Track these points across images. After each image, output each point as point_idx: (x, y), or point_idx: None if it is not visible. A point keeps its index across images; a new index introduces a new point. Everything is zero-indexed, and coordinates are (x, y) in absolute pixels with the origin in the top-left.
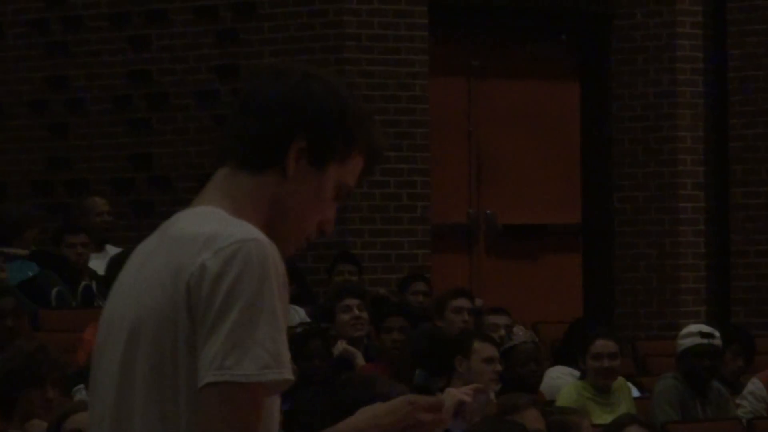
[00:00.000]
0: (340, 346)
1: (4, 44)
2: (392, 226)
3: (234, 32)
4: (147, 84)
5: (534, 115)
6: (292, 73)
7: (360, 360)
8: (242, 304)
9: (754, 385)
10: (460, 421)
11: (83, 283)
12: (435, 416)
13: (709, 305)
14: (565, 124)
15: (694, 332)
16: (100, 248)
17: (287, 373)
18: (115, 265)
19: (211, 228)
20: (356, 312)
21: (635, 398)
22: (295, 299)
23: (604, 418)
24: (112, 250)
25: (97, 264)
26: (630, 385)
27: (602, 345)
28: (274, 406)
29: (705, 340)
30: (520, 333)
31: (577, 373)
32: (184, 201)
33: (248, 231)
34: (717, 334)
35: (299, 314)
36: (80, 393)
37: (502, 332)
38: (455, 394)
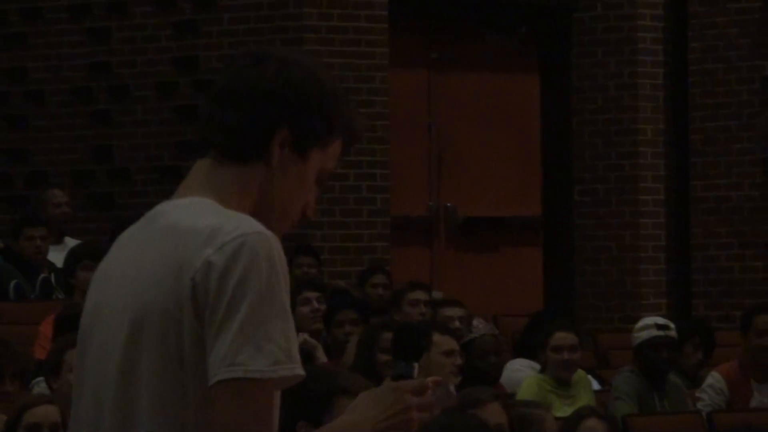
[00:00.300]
0: (300, 338)
1: None
2: (352, 219)
3: (193, 24)
4: (106, 76)
5: (494, 108)
6: (270, 59)
7: (321, 353)
8: (251, 300)
9: (713, 378)
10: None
11: (42, 275)
12: (422, 399)
13: (670, 298)
14: (526, 117)
15: (649, 325)
16: (58, 240)
17: (298, 369)
18: (75, 258)
19: (210, 221)
20: (315, 305)
21: (595, 391)
22: None
23: (565, 410)
24: (71, 242)
25: (56, 256)
26: (590, 377)
27: (562, 337)
28: (276, 400)
29: (661, 332)
30: (480, 325)
31: (537, 365)
32: (143, 193)
33: (250, 224)
34: (672, 325)
35: None
36: (39, 386)
37: (458, 324)
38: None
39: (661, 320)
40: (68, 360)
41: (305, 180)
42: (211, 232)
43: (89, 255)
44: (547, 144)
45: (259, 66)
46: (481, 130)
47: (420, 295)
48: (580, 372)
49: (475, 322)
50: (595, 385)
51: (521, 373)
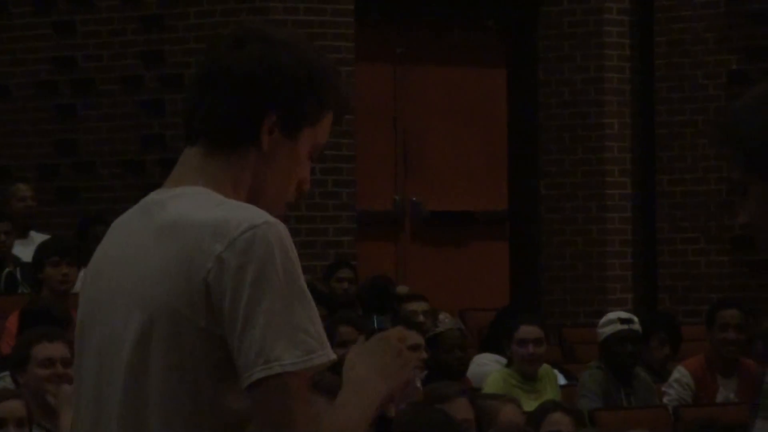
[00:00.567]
0: None
1: None
2: (317, 213)
3: (159, 18)
4: (72, 70)
5: (460, 102)
6: (254, 40)
7: None
8: (272, 293)
9: (679, 372)
10: (383, 409)
11: (6, 270)
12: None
13: (636, 293)
14: (492, 111)
15: (613, 319)
16: (24, 234)
17: (331, 353)
18: (43, 254)
19: (214, 215)
20: None
21: (561, 386)
22: None
23: (530, 405)
24: (36, 237)
25: (21, 250)
26: (556, 372)
27: (527, 331)
28: None
29: (624, 326)
30: (446, 320)
31: (503, 360)
32: (108, 187)
33: (255, 214)
34: (636, 319)
35: None
36: (4, 380)
37: (422, 319)
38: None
39: (624, 314)
40: (36, 354)
41: (297, 159)
42: (216, 227)
43: (57, 251)
44: (514, 138)
45: (242, 49)
46: (447, 125)
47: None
48: (546, 366)
49: (440, 316)
50: (561, 380)
51: (487, 368)
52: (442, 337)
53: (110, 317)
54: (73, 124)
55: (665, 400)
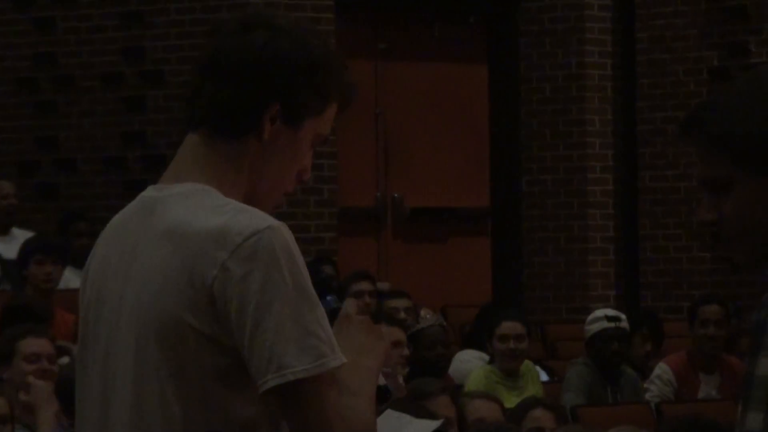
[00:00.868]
0: None
1: None
2: (299, 209)
3: (139, 14)
4: (52, 66)
5: (442, 98)
6: (259, 27)
7: None
8: (280, 298)
9: (661, 369)
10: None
11: None
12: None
13: (618, 289)
14: (474, 107)
15: (600, 317)
16: (5, 231)
17: (342, 357)
18: (28, 252)
19: (217, 221)
20: None
21: (543, 382)
22: None
23: (512, 401)
24: (17, 233)
25: (3, 247)
26: (538, 369)
27: (508, 327)
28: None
29: (611, 324)
30: (428, 316)
31: (486, 357)
32: (89, 184)
33: (258, 219)
34: (623, 317)
35: None
36: None
37: (403, 315)
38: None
39: (611, 312)
40: (22, 349)
41: (298, 149)
42: (219, 234)
43: (41, 249)
44: (495, 134)
45: (246, 36)
46: (428, 121)
47: (364, 285)
48: (528, 363)
49: (422, 312)
50: (543, 376)
51: (469, 365)
52: (423, 333)
53: (115, 325)
54: (54, 120)
55: (647, 396)
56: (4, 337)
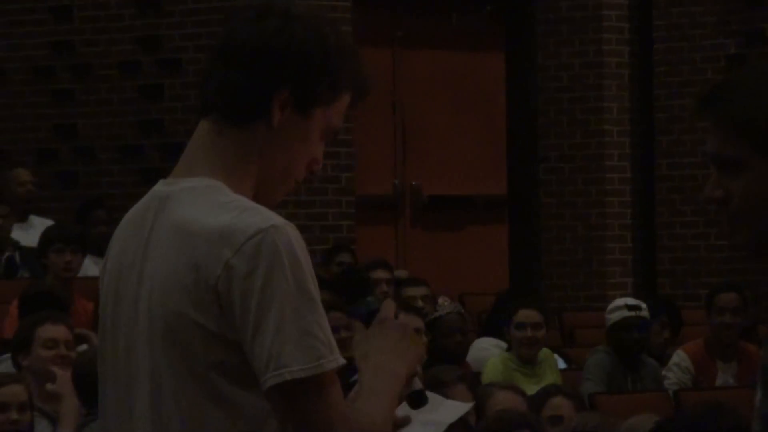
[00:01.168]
0: None
1: None
2: (317, 197)
3: (157, 3)
4: (70, 55)
5: (459, 86)
6: (273, 14)
7: None
8: (281, 298)
9: (678, 356)
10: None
11: (6, 254)
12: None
13: (635, 277)
14: (491, 95)
15: (620, 305)
16: (23, 219)
17: (340, 359)
18: (47, 241)
19: (223, 219)
20: None
21: (561, 370)
22: None
23: (531, 389)
24: (35, 221)
25: (21, 235)
26: (556, 356)
27: (526, 315)
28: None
29: (632, 313)
30: (446, 304)
31: (503, 344)
32: (107, 172)
33: (263, 218)
34: (644, 306)
35: None
36: (5, 363)
37: (421, 303)
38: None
39: (632, 301)
40: (40, 335)
41: (309, 138)
42: (225, 233)
43: (61, 238)
44: (513, 122)
45: (260, 22)
46: (446, 109)
47: (382, 274)
48: (546, 350)
49: (440, 300)
50: (561, 364)
51: (487, 352)
52: (441, 321)
53: (134, 321)
54: (72, 109)
55: (665, 384)
56: (23, 323)
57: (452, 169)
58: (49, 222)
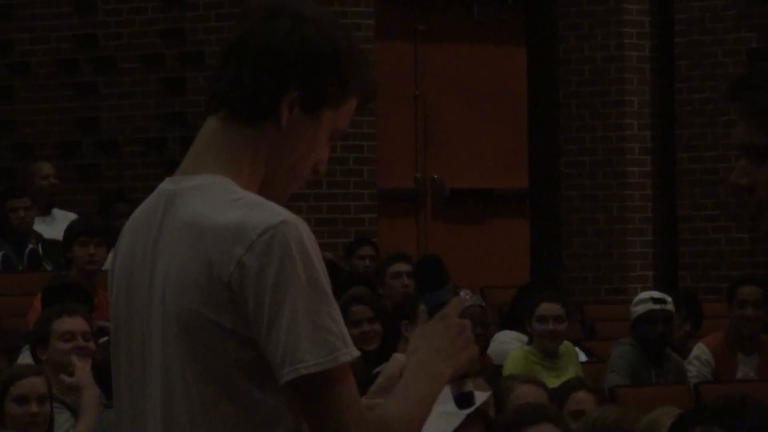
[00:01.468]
0: None
1: None
2: (339, 191)
3: None
4: (93, 48)
5: (481, 80)
6: (285, 15)
7: None
8: (294, 293)
9: (699, 349)
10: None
11: (29, 246)
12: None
13: (656, 270)
14: (512, 89)
15: (645, 299)
16: (46, 212)
17: (354, 351)
18: (72, 234)
19: (233, 216)
20: None
21: (582, 363)
22: None
23: (552, 382)
24: (58, 214)
25: (44, 228)
26: (577, 349)
27: (547, 308)
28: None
29: (657, 306)
30: (467, 297)
31: (524, 337)
32: (130, 165)
33: (273, 214)
34: (669, 299)
35: None
36: (23, 355)
37: None
38: (402, 360)
39: (657, 294)
40: (56, 328)
41: (316, 139)
42: (236, 230)
43: (85, 232)
44: (534, 116)
45: (272, 22)
46: (467, 102)
47: (402, 266)
48: (567, 344)
49: (461, 293)
50: (582, 357)
51: (508, 345)
52: (462, 314)
53: (147, 320)
54: (95, 102)
55: None
56: (40, 317)
57: (474, 163)
58: (71, 215)
